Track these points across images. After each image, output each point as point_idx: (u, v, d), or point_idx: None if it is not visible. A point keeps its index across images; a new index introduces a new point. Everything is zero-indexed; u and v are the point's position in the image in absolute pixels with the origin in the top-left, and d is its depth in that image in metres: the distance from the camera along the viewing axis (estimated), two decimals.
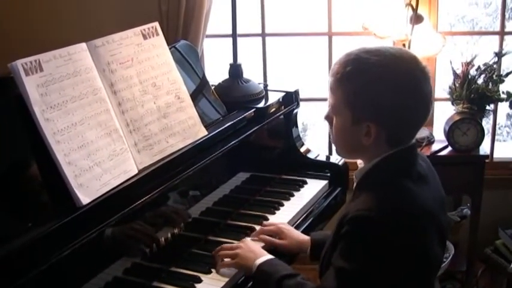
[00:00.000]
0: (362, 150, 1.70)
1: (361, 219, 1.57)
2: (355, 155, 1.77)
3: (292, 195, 2.46)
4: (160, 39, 2.11)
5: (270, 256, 1.90)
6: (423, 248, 1.60)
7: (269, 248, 2.06)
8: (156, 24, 2.11)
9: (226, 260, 1.95)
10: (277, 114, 2.54)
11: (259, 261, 1.87)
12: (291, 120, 2.66)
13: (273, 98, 2.55)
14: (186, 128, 2.09)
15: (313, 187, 2.55)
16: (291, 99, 2.62)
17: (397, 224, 1.56)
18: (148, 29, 2.08)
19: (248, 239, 2.09)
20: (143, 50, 2.04)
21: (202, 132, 2.13)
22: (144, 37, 2.06)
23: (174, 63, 2.14)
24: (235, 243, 2.04)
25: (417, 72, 1.61)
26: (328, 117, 1.76)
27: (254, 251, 1.95)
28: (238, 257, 1.93)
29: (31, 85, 1.66)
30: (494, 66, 3.08)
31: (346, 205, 1.73)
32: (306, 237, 2.11)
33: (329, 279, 1.62)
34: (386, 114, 1.61)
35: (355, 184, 1.76)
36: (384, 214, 1.56)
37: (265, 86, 2.67)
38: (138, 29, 2.05)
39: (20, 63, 1.65)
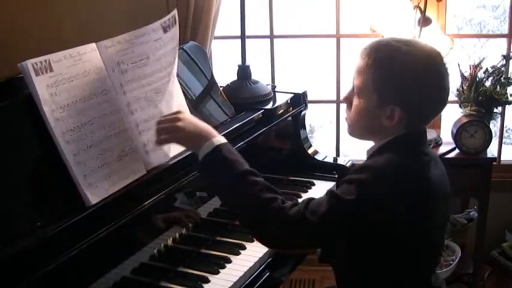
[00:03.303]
0: (378, 132, 1.75)
1: (366, 166, 1.67)
2: (369, 136, 1.81)
3: (300, 197, 2.46)
4: (177, 29, 2.01)
5: (225, 139, 1.79)
6: (418, 213, 1.66)
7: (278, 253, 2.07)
8: (175, 12, 2.01)
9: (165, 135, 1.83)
10: (285, 116, 2.55)
11: (217, 141, 1.74)
12: (298, 122, 2.66)
13: (281, 99, 2.56)
14: None
15: (321, 188, 2.54)
16: (299, 100, 2.63)
17: (401, 182, 1.63)
18: (169, 20, 1.97)
19: (185, 113, 1.90)
20: (161, 46, 1.96)
21: None
22: (164, 30, 1.96)
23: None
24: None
25: (442, 67, 1.71)
26: (347, 99, 1.81)
27: (199, 125, 1.80)
28: (180, 131, 1.78)
29: (41, 85, 1.66)
30: (502, 69, 3.07)
31: None
32: None
33: (315, 199, 1.67)
34: (411, 100, 1.68)
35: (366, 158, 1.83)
36: (390, 169, 1.65)
37: (273, 87, 2.67)
38: (157, 24, 1.95)
39: (30, 63, 1.65)
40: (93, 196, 1.69)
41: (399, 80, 1.66)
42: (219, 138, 1.76)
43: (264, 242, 1.76)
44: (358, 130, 1.83)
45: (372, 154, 1.78)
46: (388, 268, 1.72)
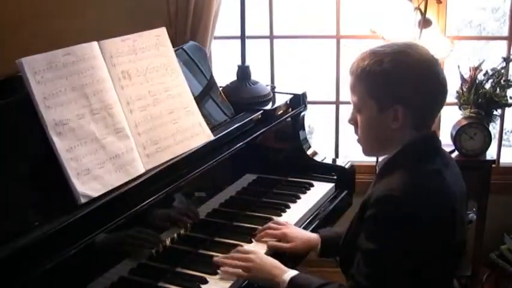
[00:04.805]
0: (391, 140, 1.75)
1: (385, 198, 1.63)
2: (383, 148, 1.80)
3: (299, 198, 2.46)
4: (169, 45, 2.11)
5: (296, 271, 1.87)
6: (449, 227, 1.66)
7: (276, 252, 2.08)
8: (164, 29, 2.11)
9: (237, 270, 1.91)
10: (285, 117, 2.55)
11: (289, 275, 1.83)
12: (298, 123, 2.66)
13: (281, 100, 2.56)
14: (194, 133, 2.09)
15: (320, 190, 2.55)
16: (298, 101, 2.62)
17: (423, 202, 1.61)
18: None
19: (257, 251, 2.01)
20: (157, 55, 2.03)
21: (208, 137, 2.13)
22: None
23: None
24: (244, 249, 2.02)
25: (430, 57, 1.72)
26: (352, 119, 1.82)
27: (270, 263, 1.91)
28: (252, 271, 1.89)
29: (38, 83, 1.66)
30: (502, 71, 3.07)
31: (369, 190, 1.76)
32: (313, 235, 2.14)
33: (360, 267, 1.66)
34: (410, 95, 1.69)
35: (377, 170, 1.83)
36: (408, 193, 1.62)
37: (273, 88, 2.67)
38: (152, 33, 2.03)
39: (28, 61, 1.65)
40: (84, 194, 1.68)
41: (393, 80, 1.68)
42: (289, 273, 1.83)
43: None
44: (371, 144, 1.82)
45: (382, 173, 1.77)
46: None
